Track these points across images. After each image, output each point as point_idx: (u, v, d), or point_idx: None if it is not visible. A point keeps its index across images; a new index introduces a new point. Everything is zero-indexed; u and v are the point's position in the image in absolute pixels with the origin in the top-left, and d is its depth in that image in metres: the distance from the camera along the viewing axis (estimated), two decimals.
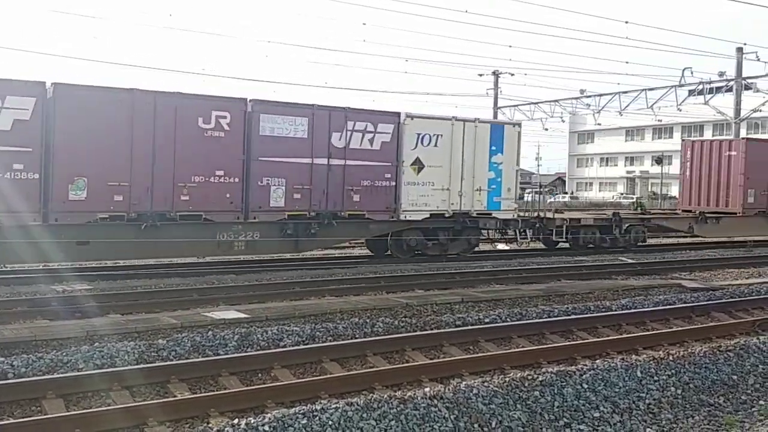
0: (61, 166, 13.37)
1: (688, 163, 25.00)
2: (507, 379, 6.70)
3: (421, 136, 17.61)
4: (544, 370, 7.25)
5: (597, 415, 6.44)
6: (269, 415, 5.54)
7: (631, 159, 79.78)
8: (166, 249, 14.80)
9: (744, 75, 33.11)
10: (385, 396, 6.04)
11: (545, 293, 13.22)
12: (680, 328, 10.06)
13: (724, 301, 12.33)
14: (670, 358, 7.71)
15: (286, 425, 5.40)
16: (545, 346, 8.78)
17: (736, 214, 23.86)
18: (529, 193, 27.63)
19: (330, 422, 5.52)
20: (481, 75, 47.60)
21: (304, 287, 13.03)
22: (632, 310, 11.19)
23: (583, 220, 21.56)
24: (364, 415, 5.68)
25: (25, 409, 6.28)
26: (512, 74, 46.15)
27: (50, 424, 5.65)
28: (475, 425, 5.92)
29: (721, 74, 35.24)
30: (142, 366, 7.32)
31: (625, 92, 38.17)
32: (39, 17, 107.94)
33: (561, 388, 6.67)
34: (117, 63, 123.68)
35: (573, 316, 10.63)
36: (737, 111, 33.68)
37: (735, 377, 7.65)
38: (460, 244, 18.70)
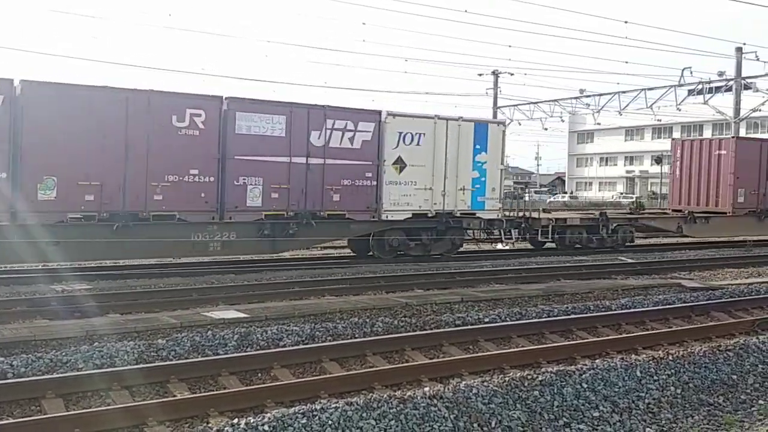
0: (28, 165, 13.09)
1: (678, 163, 24.78)
2: (506, 378, 6.71)
3: (402, 135, 17.39)
4: (543, 369, 7.25)
5: (596, 414, 6.44)
6: (269, 414, 5.54)
7: (630, 159, 79.76)
8: (139, 249, 14.44)
9: (743, 75, 33.13)
10: (385, 396, 6.04)
11: (545, 293, 13.21)
12: (680, 328, 10.06)
13: (723, 300, 12.33)
14: (670, 357, 7.71)
15: (285, 425, 5.40)
16: (545, 346, 8.78)
17: (725, 213, 23.63)
18: (528, 194, 27.58)
19: (330, 422, 5.53)
20: (480, 75, 47.80)
21: (303, 287, 13.02)
22: (632, 310, 11.19)
23: (570, 220, 21.35)
24: (364, 415, 5.68)
25: (25, 409, 6.28)
26: (512, 74, 46.32)
27: (50, 424, 5.65)
28: (475, 425, 5.92)
29: (721, 74, 35.27)
30: (141, 366, 7.32)
31: (625, 92, 38.20)
32: (39, 17, 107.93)
33: (561, 387, 6.67)
34: (117, 63, 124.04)
35: (572, 316, 10.64)
36: (737, 111, 33.71)
37: (734, 377, 7.65)
38: (443, 244, 18.45)
